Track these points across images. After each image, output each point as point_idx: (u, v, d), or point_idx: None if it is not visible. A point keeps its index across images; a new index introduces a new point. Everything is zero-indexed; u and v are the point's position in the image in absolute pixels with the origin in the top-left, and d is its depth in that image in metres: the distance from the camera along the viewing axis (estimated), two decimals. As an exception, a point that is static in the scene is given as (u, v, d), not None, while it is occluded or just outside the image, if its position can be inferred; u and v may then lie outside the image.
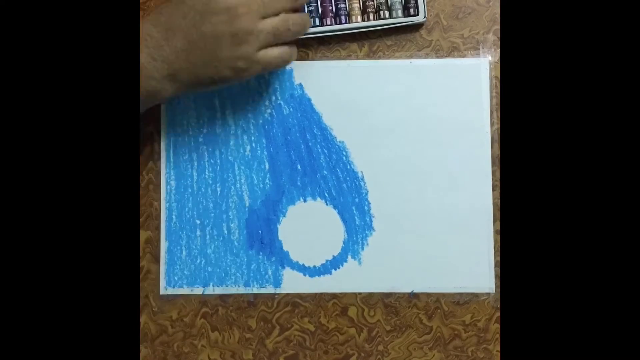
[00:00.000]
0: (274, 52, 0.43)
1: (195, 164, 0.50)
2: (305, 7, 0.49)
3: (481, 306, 0.48)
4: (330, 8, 0.49)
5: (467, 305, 0.48)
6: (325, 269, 0.49)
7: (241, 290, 0.49)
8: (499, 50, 0.49)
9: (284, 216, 0.49)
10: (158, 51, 0.41)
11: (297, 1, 0.43)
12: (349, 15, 0.49)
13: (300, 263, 0.49)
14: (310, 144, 0.49)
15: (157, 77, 0.41)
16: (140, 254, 0.49)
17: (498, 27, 0.50)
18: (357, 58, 0.50)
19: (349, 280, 0.49)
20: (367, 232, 0.49)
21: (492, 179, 0.49)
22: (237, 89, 0.50)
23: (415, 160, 0.49)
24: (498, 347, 0.48)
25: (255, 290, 0.49)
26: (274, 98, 0.50)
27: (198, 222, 0.49)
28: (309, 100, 0.50)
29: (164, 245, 0.49)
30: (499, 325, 0.48)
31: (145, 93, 0.42)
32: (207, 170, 0.50)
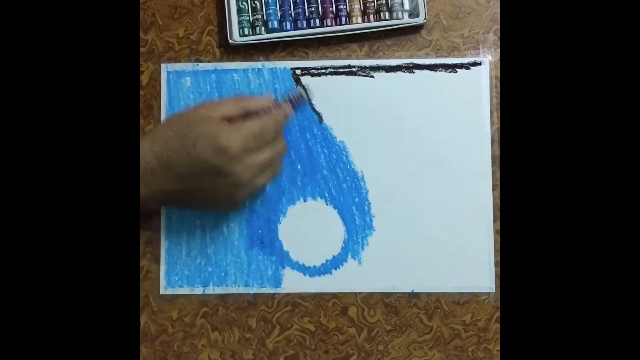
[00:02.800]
0: (265, 177, 0.44)
1: (196, 163, 0.50)
2: (306, 9, 0.49)
3: (481, 306, 0.48)
4: (330, 9, 0.49)
5: (467, 305, 0.48)
6: (325, 269, 0.49)
7: (241, 290, 0.49)
8: (499, 50, 0.50)
9: (284, 216, 0.49)
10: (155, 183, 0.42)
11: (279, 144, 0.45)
12: (349, 16, 0.49)
13: (301, 263, 0.49)
14: (310, 144, 0.49)
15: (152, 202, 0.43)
16: (141, 254, 0.49)
17: (498, 26, 0.50)
18: (357, 58, 0.50)
19: (349, 280, 0.49)
20: (367, 231, 0.49)
21: (492, 179, 0.49)
22: (237, 89, 0.50)
23: (415, 160, 0.49)
24: (498, 347, 0.48)
25: (255, 290, 0.49)
26: (274, 98, 0.50)
27: (198, 222, 0.49)
28: (309, 100, 0.50)
29: (164, 245, 0.49)
30: (499, 325, 0.48)
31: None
32: (207, 170, 0.49)
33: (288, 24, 0.49)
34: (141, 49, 0.50)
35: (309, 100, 0.48)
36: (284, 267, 0.49)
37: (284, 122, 0.45)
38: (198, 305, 0.49)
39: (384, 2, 0.49)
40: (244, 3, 0.49)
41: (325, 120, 0.50)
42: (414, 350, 0.48)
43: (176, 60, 0.50)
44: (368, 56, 0.50)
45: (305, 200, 0.49)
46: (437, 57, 0.50)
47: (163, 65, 0.50)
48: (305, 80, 0.50)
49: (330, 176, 0.49)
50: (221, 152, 0.41)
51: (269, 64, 0.50)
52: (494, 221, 0.49)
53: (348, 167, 0.49)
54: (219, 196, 0.43)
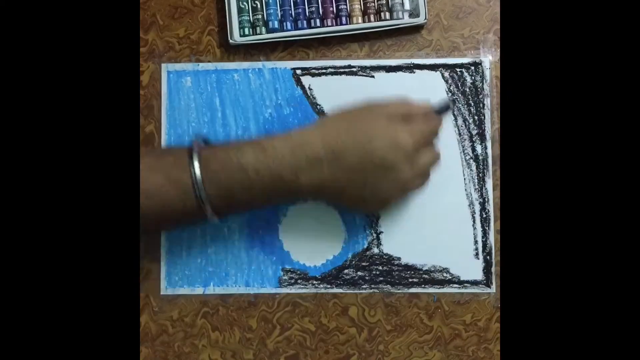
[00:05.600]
0: (421, 180, 0.45)
1: (196, 163, 0.50)
2: (307, 7, 0.49)
3: (481, 306, 0.48)
4: (331, 9, 0.49)
5: (468, 305, 0.48)
6: (325, 269, 0.49)
7: (242, 290, 0.49)
8: (499, 50, 0.50)
9: (285, 216, 0.49)
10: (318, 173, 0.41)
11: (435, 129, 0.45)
12: (349, 16, 0.49)
13: (301, 263, 0.49)
14: (310, 144, 0.49)
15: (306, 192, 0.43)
16: (141, 254, 0.49)
17: (498, 26, 0.50)
18: (358, 58, 0.50)
19: (349, 280, 0.49)
20: (367, 232, 0.49)
21: (492, 179, 0.49)
22: (237, 89, 0.50)
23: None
24: (498, 347, 0.48)
25: (255, 290, 0.49)
26: (274, 98, 0.50)
27: (199, 222, 0.49)
28: (310, 100, 0.50)
29: (164, 245, 0.49)
30: (499, 325, 0.48)
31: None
32: (207, 170, 0.49)
33: (288, 24, 0.49)
34: (141, 49, 0.50)
35: (453, 110, 0.49)
36: (284, 267, 0.49)
37: (439, 130, 0.46)
38: (198, 306, 0.49)
39: (384, 2, 0.49)
40: (245, 3, 0.49)
41: (326, 120, 0.50)
42: (414, 350, 0.48)
43: (176, 60, 0.50)
44: (368, 56, 0.50)
45: (305, 201, 0.49)
46: (438, 57, 0.50)
47: (163, 65, 0.50)
48: (306, 79, 0.50)
49: (331, 176, 0.49)
50: (396, 147, 0.41)
51: (270, 64, 0.50)
52: (494, 221, 0.49)
53: (348, 167, 0.49)
54: (377, 193, 0.43)
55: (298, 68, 0.50)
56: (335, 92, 0.50)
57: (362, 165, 0.41)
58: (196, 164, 0.40)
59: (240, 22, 0.49)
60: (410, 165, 0.42)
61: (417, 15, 0.49)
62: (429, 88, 0.49)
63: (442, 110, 0.47)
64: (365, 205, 0.45)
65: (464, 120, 0.49)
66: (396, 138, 0.41)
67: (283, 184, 0.41)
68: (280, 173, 0.41)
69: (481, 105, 0.49)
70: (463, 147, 0.49)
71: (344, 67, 0.50)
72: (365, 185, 0.42)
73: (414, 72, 0.50)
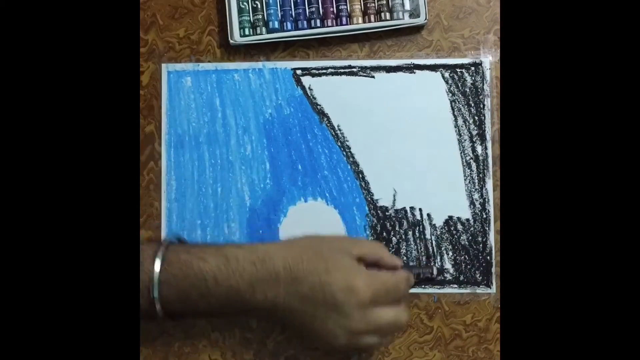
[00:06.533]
0: (371, 340, 0.42)
1: (196, 163, 0.50)
2: (307, 9, 0.49)
3: (482, 306, 0.48)
4: (331, 9, 0.49)
5: (468, 305, 0.48)
6: (325, 269, 0.49)
7: (242, 290, 0.49)
8: (499, 51, 0.50)
9: (285, 216, 0.49)
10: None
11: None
12: (350, 16, 0.49)
13: (301, 263, 0.49)
14: (311, 144, 0.49)
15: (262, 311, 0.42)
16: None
17: (498, 27, 0.50)
18: (358, 58, 0.50)
19: (349, 280, 0.49)
20: (367, 232, 0.49)
21: (492, 179, 0.49)
22: (237, 90, 0.50)
23: (416, 160, 0.49)
24: (499, 347, 0.48)
25: (255, 290, 0.49)
26: (274, 98, 0.50)
27: (199, 222, 0.49)
28: (310, 100, 0.50)
29: (164, 245, 0.49)
30: (499, 325, 0.48)
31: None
32: (207, 170, 0.50)
33: (289, 24, 0.49)
34: (141, 49, 0.50)
35: (435, 278, 0.47)
36: (284, 267, 0.49)
37: (409, 290, 0.44)
38: (198, 306, 0.49)
39: (384, 2, 0.49)
40: (245, 3, 0.49)
41: (326, 120, 0.50)
42: (414, 350, 0.48)
43: (177, 60, 0.50)
44: (368, 56, 0.50)
45: (305, 201, 0.49)
46: (438, 57, 0.50)
47: (163, 65, 0.50)
48: (306, 79, 0.50)
49: (331, 176, 0.49)
50: (351, 291, 0.40)
51: (270, 64, 0.50)
52: (494, 221, 0.49)
53: (349, 167, 0.49)
54: (324, 330, 0.41)
55: (298, 68, 0.50)
56: (335, 92, 0.50)
57: (314, 295, 0.40)
58: (157, 265, 0.40)
59: (240, 22, 0.49)
60: (363, 317, 0.40)
61: (418, 16, 0.49)
62: (429, 88, 0.50)
63: (422, 273, 0.46)
64: (312, 341, 0.44)
65: (464, 120, 0.49)
66: (352, 282, 0.40)
67: (239, 297, 0.40)
68: (237, 286, 0.40)
69: (481, 105, 0.49)
70: (463, 147, 0.49)
71: (344, 67, 0.50)
72: (315, 319, 0.41)
73: (414, 73, 0.50)
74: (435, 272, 0.46)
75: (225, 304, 0.41)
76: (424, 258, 0.48)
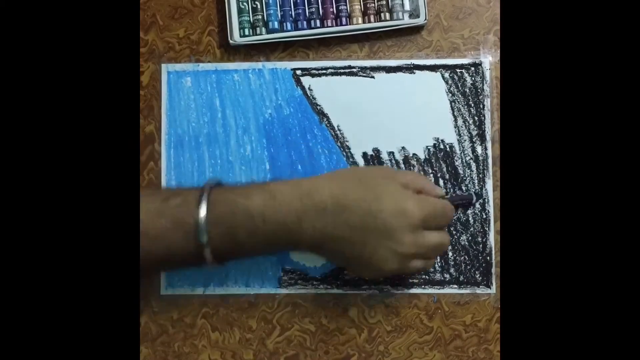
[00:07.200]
0: (418, 264, 0.43)
1: (196, 163, 0.50)
2: (307, 9, 0.49)
3: (481, 306, 0.48)
4: (331, 9, 0.49)
5: (468, 305, 0.48)
6: (325, 269, 0.49)
7: (242, 290, 0.49)
8: (499, 51, 0.50)
9: (285, 216, 0.49)
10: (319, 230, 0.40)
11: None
12: (349, 16, 0.49)
13: (301, 263, 0.49)
14: (310, 145, 0.49)
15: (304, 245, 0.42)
16: (141, 254, 0.49)
17: (498, 27, 0.50)
18: (358, 58, 0.50)
19: (349, 280, 0.49)
20: (367, 232, 0.49)
21: (492, 179, 0.49)
22: (237, 90, 0.50)
23: (416, 161, 0.49)
24: (499, 348, 0.48)
25: (256, 291, 0.49)
26: (274, 98, 0.50)
27: (199, 222, 0.49)
28: (310, 100, 0.50)
29: (164, 245, 0.49)
30: (499, 326, 0.48)
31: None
32: (207, 171, 0.50)
33: (288, 24, 0.49)
34: (141, 49, 0.50)
35: (474, 204, 0.48)
36: (284, 268, 0.49)
37: (450, 219, 0.45)
38: (199, 306, 0.49)
39: (384, 2, 0.49)
40: (245, 3, 0.49)
41: (326, 121, 0.50)
42: (414, 350, 0.48)
43: (176, 60, 0.50)
44: (368, 57, 0.50)
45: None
46: (438, 57, 0.50)
47: (163, 66, 0.50)
48: (306, 80, 0.50)
49: (331, 177, 0.49)
50: (402, 214, 0.40)
51: (270, 65, 0.50)
52: (494, 221, 0.49)
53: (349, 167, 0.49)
54: (374, 257, 0.41)
55: (298, 68, 0.50)
56: (335, 92, 0.50)
57: (365, 223, 0.40)
58: (203, 207, 0.39)
59: (240, 23, 0.49)
60: (413, 240, 0.41)
61: (417, 16, 0.49)
62: (429, 89, 0.50)
63: (461, 201, 0.47)
64: (361, 269, 0.44)
65: (464, 121, 0.49)
66: (404, 205, 0.40)
67: (286, 231, 0.40)
68: (285, 220, 0.40)
69: (481, 106, 0.49)
70: (463, 147, 0.49)
71: (344, 67, 0.50)
72: (365, 246, 0.41)
73: (414, 73, 0.50)
74: (474, 197, 0.48)
75: (272, 241, 0.41)
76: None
